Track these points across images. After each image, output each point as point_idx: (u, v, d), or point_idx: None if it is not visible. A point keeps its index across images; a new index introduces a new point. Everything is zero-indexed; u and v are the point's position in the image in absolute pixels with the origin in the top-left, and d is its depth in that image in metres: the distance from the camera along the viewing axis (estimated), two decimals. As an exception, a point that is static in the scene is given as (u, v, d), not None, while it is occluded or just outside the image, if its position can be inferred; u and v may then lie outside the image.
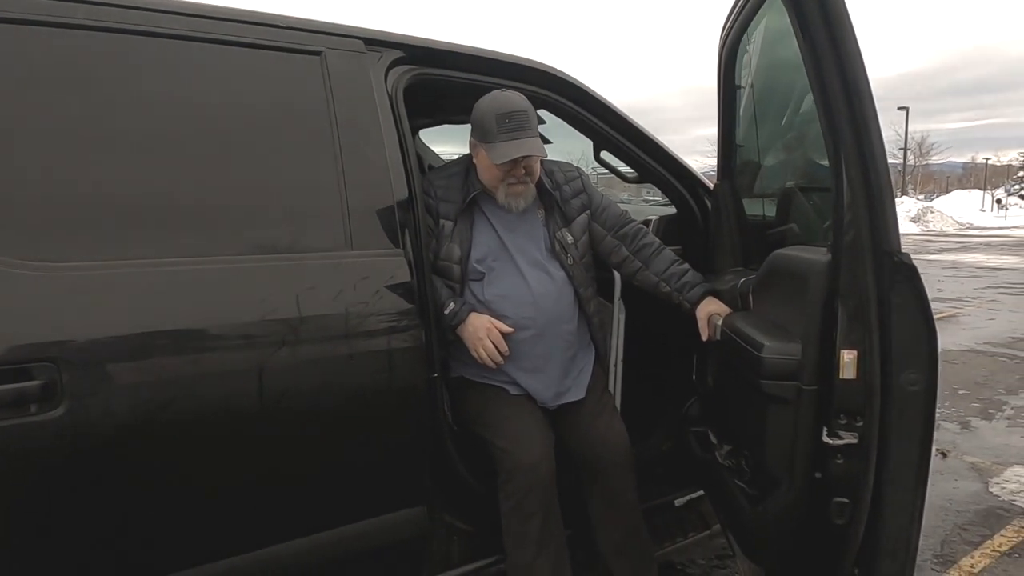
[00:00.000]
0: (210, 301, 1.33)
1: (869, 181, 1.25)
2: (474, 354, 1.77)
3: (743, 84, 1.97)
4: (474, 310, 1.80)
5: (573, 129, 2.14)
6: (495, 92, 1.78)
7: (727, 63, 1.95)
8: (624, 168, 2.31)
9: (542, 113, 2.77)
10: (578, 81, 2.01)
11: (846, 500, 1.34)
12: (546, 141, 2.91)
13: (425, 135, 3.35)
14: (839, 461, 1.34)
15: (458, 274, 1.82)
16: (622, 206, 2.08)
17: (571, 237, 1.89)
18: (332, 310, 1.42)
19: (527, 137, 1.73)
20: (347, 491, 1.50)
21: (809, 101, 1.45)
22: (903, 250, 1.27)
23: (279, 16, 1.54)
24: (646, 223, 2.29)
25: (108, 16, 1.32)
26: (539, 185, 1.86)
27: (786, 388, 1.39)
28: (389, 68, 1.68)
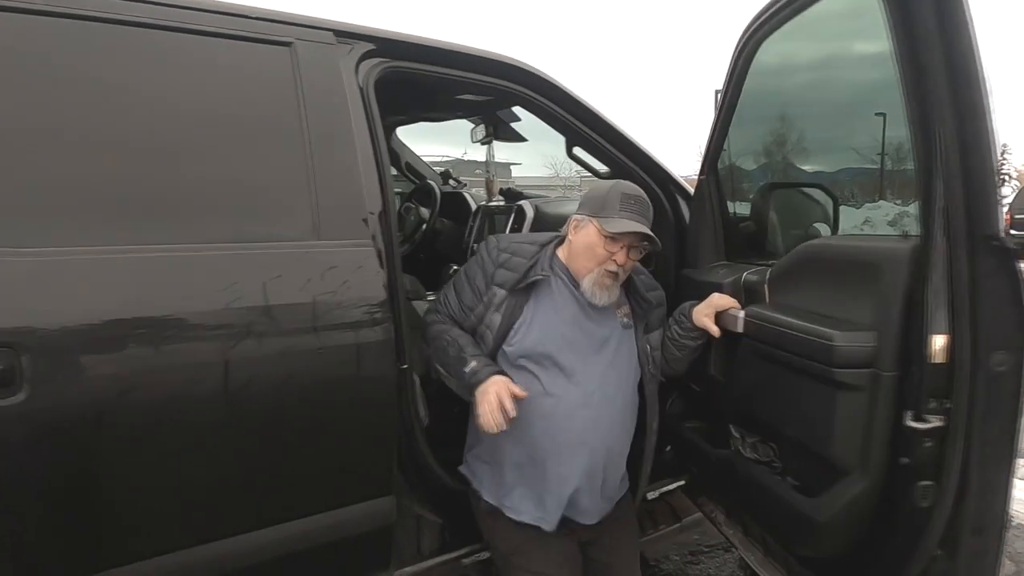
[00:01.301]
0: (175, 289, 1.32)
1: (973, 168, 1.23)
2: (478, 410, 1.57)
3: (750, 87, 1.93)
4: (499, 372, 1.62)
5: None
6: (620, 180, 1.79)
7: (744, 61, 1.89)
8: (598, 164, 2.33)
9: (516, 110, 2.81)
10: (551, 78, 2.03)
11: (931, 483, 1.34)
12: (522, 139, 2.95)
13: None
14: (927, 444, 1.33)
15: (490, 344, 1.70)
16: None
17: (649, 346, 1.80)
18: (299, 299, 1.42)
19: (646, 224, 1.65)
20: (314, 481, 1.50)
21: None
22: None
23: (248, 7, 1.54)
24: None
25: (69, 3, 1.32)
26: (631, 286, 1.77)
27: (861, 376, 1.39)
28: (360, 60, 1.68)
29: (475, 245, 2.91)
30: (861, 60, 1.37)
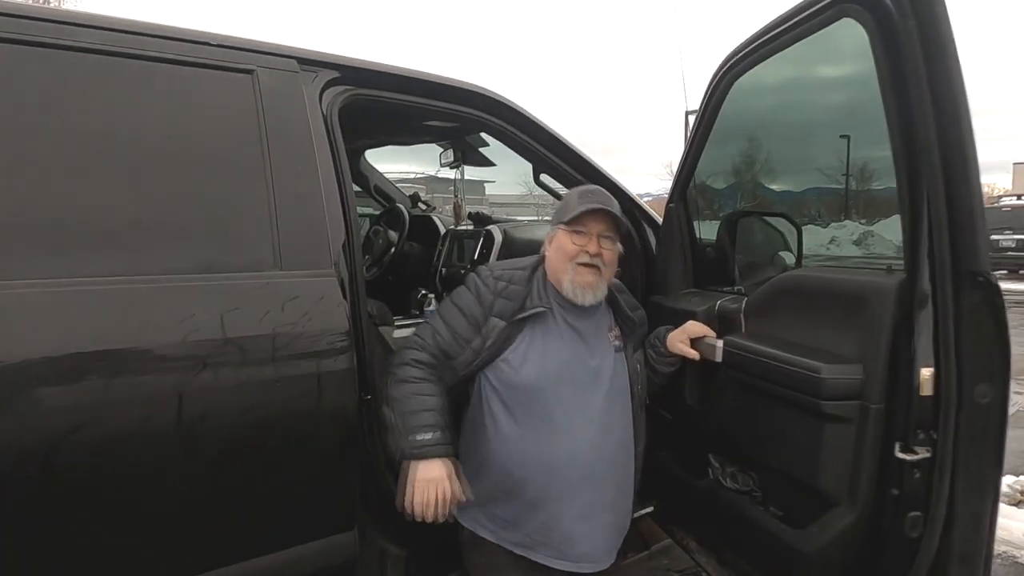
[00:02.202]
0: (130, 322, 1.29)
1: (960, 204, 1.24)
2: (404, 497, 1.47)
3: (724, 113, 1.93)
4: (450, 455, 1.50)
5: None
6: None
7: (719, 96, 1.87)
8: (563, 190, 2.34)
9: (484, 136, 2.82)
10: (517, 105, 2.04)
11: (920, 513, 1.34)
12: (490, 163, 2.96)
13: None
14: (916, 475, 1.34)
15: (472, 368, 1.62)
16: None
17: (639, 366, 1.75)
18: (258, 331, 1.39)
19: (605, 205, 1.61)
20: (274, 517, 1.46)
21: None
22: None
23: (209, 33, 1.52)
24: None
25: (28, 29, 1.29)
26: (617, 306, 1.72)
27: (848, 408, 1.39)
28: (324, 88, 1.67)
29: (443, 269, 2.89)
30: (837, 94, 1.39)
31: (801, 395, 1.47)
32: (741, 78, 1.79)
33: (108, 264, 1.29)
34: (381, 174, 3.32)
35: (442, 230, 3.04)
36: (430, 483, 1.44)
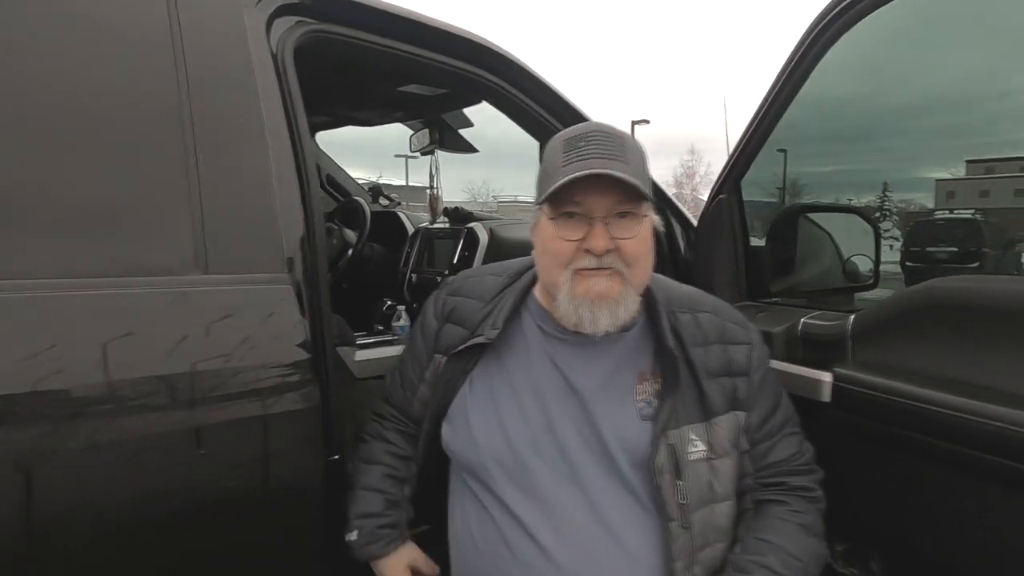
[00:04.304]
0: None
1: None
2: None
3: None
4: (396, 539, 1.11)
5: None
6: None
7: (818, 48, 1.40)
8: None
9: (468, 115, 2.36)
10: (532, 69, 1.61)
11: None
12: (472, 149, 2.50)
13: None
14: None
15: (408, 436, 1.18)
16: None
17: (701, 444, 0.99)
18: (163, 370, 0.90)
19: (610, 159, 0.93)
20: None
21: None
22: None
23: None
24: None
25: None
26: (657, 328, 1.02)
27: None
28: (273, 17, 1.19)
29: (413, 276, 2.42)
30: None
31: (1009, 463, 1.01)
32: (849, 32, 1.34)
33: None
34: (333, 160, 2.81)
35: (410, 229, 2.56)
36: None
